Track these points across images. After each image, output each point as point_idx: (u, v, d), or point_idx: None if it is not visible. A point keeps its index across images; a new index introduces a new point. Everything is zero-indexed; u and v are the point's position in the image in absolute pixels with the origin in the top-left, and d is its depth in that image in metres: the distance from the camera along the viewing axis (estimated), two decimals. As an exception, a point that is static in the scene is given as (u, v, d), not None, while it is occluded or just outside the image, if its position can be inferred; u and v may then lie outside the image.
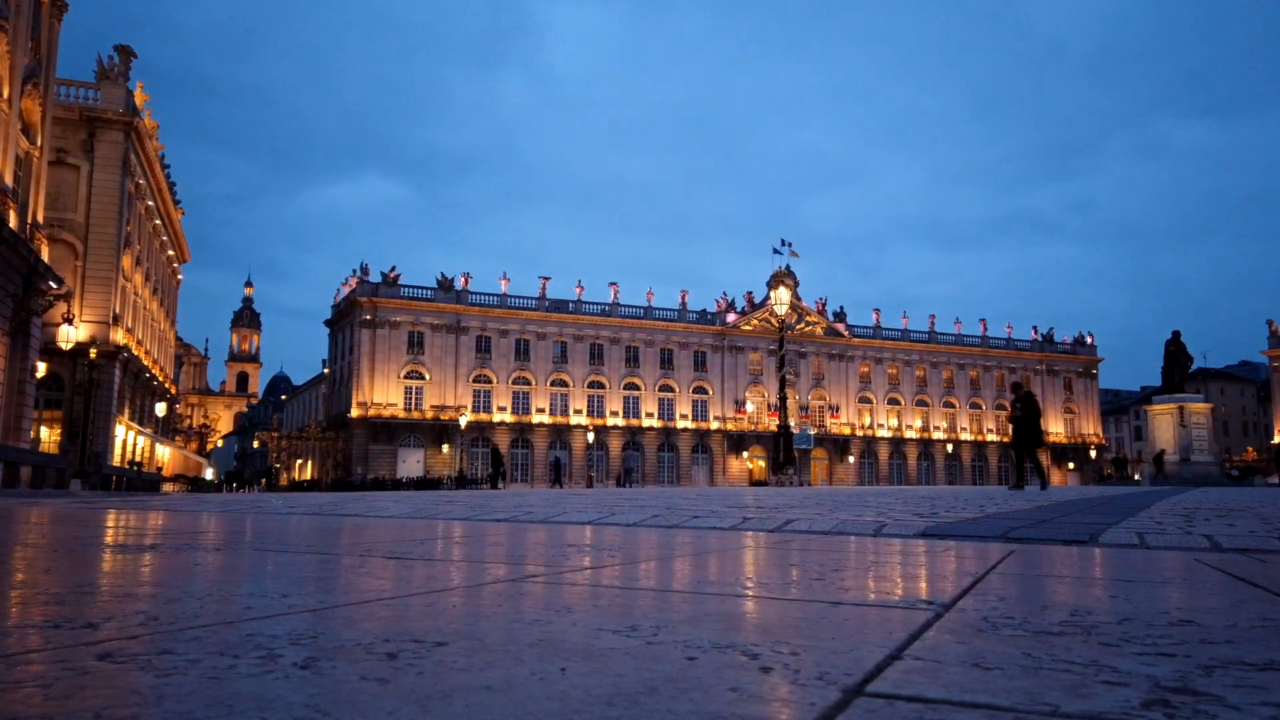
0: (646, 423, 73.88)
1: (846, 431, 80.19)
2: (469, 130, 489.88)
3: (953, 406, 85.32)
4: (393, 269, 68.97)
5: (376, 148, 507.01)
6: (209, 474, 76.76)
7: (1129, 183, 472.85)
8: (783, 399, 29.10)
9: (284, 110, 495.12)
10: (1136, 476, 58.51)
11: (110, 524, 5.89)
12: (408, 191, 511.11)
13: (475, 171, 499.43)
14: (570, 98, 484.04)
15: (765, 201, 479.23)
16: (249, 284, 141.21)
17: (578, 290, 74.35)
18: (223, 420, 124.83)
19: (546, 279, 73.53)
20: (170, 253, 56.70)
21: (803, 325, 79.49)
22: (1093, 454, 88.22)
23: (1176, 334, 38.09)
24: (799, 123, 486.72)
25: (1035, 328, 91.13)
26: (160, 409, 50.31)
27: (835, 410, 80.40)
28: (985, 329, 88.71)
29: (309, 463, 77.81)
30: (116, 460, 38.60)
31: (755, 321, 78.57)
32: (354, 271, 69.84)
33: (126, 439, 42.43)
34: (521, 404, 70.67)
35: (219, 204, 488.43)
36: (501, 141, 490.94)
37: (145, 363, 45.86)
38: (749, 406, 76.62)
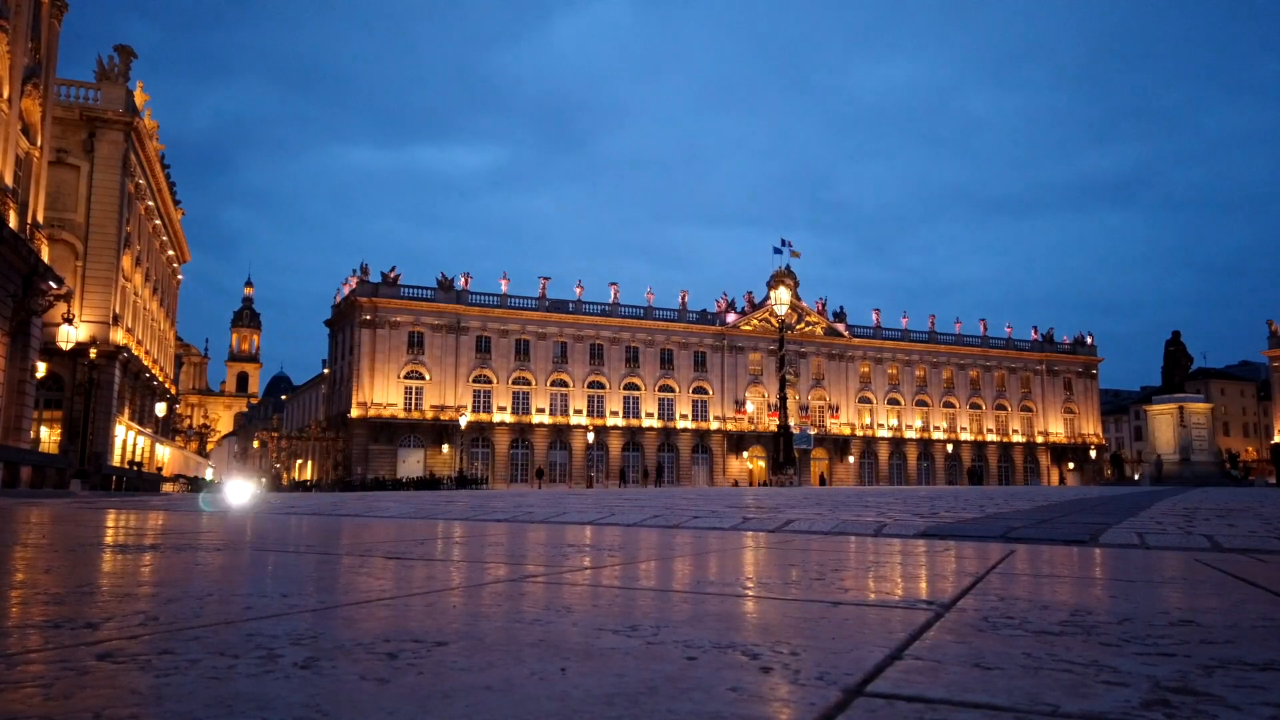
0: (646, 423, 73.87)
1: (846, 431, 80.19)
2: (557, 79, 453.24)
3: (953, 406, 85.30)
4: (393, 269, 69.02)
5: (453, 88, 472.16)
6: (209, 474, 76.77)
7: (1240, 136, 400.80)
8: (783, 399, 29.11)
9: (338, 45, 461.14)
10: (1136, 476, 58.52)
11: (110, 524, 5.89)
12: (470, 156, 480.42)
13: (543, 136, 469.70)
14: (657, 46, 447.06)
15: (805, 170, 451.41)
16: (249, 284, 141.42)
17: (578, 290, 74.40)
18: (223, 420, 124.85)
19: (546, 279, 73.61)
20: (170, 253, 56.70)
21: (803, 325, 79.48)
22: (1093, 454, 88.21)
23: (1176, 334, 38.15)
24: (889, 53, 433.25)
25: (1035, 327, 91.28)
26: (160, 409, 50.31)
27: (835, 410, 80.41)
28: (985, 329, 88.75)
29: (309, 463, 77.83)
30: (116, 460, 38.60)
31: (755, 321, 78.57)
32: (354, 271, 69.93)
33: (126, 439, 42.43)
34: (521, 404, 70.66)
35: (264, 149, 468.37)
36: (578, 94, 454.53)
37: (145, 363, 45.86)
38: (749, 406, 76.61)
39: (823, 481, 70.48)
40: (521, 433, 69.96)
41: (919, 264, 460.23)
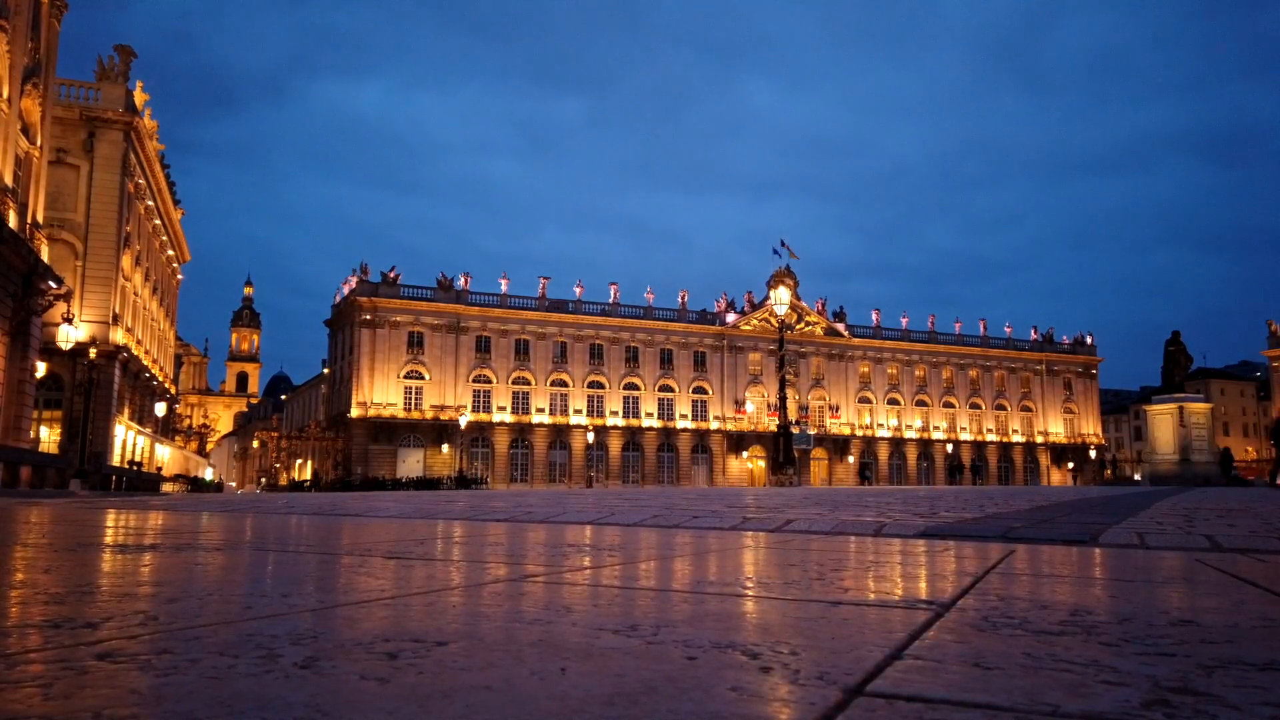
0: (646, 423, 73.85)
1: (846, 431, 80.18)
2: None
3: (953, 406, 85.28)
4: (392, 269, 68.99)
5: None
6: (209, 474, 76.76)
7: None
8: (783, 399, 29.09)
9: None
10: (1136, 476, 58.51)
11: (110, 524, 5.90)
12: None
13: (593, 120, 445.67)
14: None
15: (849, 131, 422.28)
16: (249, 283, 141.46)
17: (578, 290, 74.39)
18: (223, 420, 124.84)
19: (546, 279, 73.62)
20: (170, 253, 56.70)
21: (802, 325, 79.47)
22: (1092, 454, 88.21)
23: (1176, 334, 38.15)
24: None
25: (1035, 327, 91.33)
26: (160, 409, 50.29)
27: (835, 410, 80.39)
28: (985, 328, 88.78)
29: (309, 463, 77.81)
30: (116, 460, 38.60)
31: (755, 321, 78.55)
32: (354, 271, 69.88)
33: (126, 439, 42.42)
34: (521, 404, 70.64)
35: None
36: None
37: (145, 362, 45.84)
38: (749, 406, 76.59)
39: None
40: (521, 433, 69.94)
41: (946, 243, 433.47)
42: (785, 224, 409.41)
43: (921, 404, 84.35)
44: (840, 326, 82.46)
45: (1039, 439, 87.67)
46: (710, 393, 76.58)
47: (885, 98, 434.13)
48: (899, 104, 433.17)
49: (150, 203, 46.60)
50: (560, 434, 70.81)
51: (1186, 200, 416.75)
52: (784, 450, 29.29)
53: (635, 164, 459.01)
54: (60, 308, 28.72)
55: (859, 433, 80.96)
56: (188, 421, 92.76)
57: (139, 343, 44.42)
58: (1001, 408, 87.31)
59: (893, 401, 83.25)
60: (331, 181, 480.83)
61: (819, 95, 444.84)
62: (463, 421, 65.07)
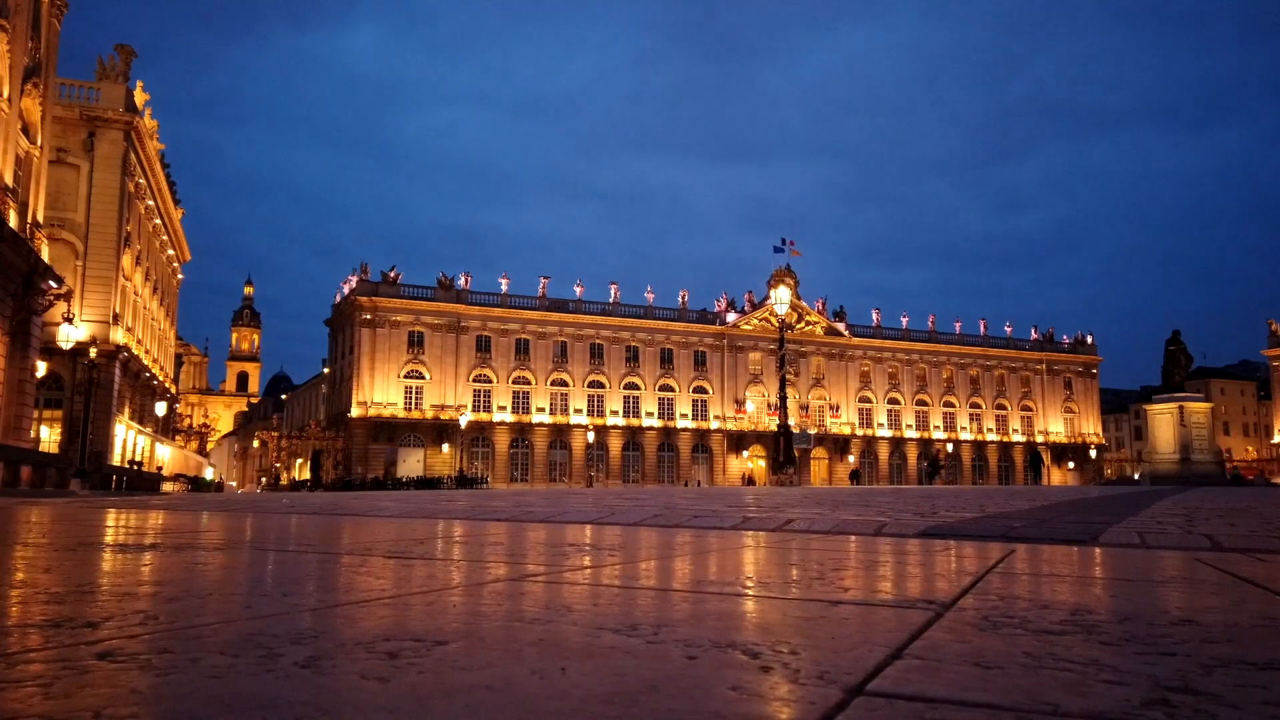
0: (646, 422, 73.84)
1: (846, 431, 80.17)
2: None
3: (953, 406, 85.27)
4: (393, 268, 68.98)
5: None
6: (210, 473, 76.72)
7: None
8: (783, 398, 29.07)
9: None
10: (1136, 476, 58.49)
11: (110, 523, 5.90)
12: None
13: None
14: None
15: (884, 96, 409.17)
16: (249, 283, 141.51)
17: (578, 289, 74.38)
18: (223, 420, 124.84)
19: (547, 278, 73.63)
20: (170, 252, 56.68)
21: (803, 325, 79.45)
22: (1093, 454, 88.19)
23: (1176, 333, 38.14)
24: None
25: (1035, 327, 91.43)
26: (160, 408, 50.28)
27: (835, 410, 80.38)
28: (985, 328, 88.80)
29: (309, 462, 77.81)
30: (117, 460, 38.60)
31: (755, 321, 78.54)
32: (354, 270, 69.89)
33: (127, 438, 42.41)
34: (521, 403, 70.63)
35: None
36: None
37: (145, 362, 45.83)
38: (749, 406, 76.58)
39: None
40: (521, 432, 69.93)
41: (981, 225, 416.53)
42: (812, 203, 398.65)
43: (922, 404, 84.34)
44: (840, 326, 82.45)
45: (1039, 438, 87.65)
46: (710, 392, 76.58)
47: (951, 48, 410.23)
48: (964, 56, 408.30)
49: (150, 202, 46.58)
50: (560, 434, 70.80)
51: (1267, 154, 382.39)
52: (784, 450, 29.27)
53: (679, 137, 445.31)
54: (60, 307, 28.70)
55: (859, 432, 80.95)
56: (188, 421, 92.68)
57: (139, 342, 44.42)
58: (1002, 407, 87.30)
59: (893, 401, 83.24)
60: (332, 151, 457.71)
61: (882, 50, 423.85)
62: (463, 421, 65.06)
